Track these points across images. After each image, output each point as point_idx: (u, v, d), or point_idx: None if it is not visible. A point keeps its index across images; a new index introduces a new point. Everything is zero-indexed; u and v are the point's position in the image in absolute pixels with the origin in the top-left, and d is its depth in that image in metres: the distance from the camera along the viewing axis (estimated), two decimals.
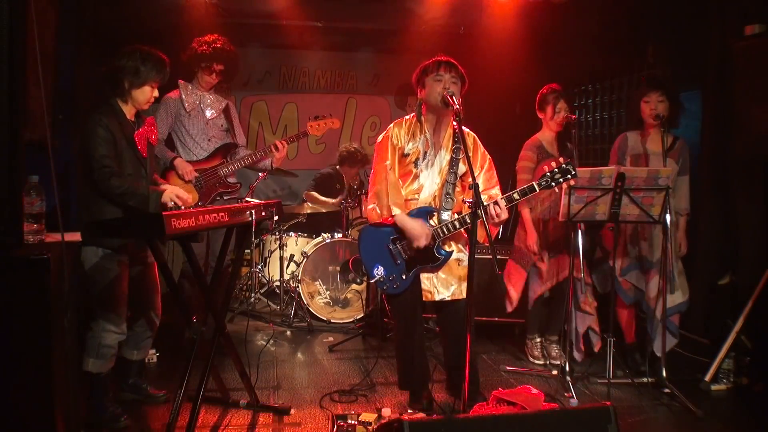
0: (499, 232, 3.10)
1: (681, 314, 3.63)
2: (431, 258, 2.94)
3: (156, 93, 2.99)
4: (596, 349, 3.76)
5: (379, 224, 2.99)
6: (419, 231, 2.88)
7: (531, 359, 3.98)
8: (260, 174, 4.51)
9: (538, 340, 3.99)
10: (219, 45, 3.95)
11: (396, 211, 2.92)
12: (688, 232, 3.66)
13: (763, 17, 3.59)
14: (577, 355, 3.74)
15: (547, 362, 3.92)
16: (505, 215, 2.83)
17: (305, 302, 4.82)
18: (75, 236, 2.48)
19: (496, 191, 3.01)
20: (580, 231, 3.48)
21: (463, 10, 5.00)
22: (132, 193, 2.81)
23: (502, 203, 2.81)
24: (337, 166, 5.71)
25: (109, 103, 2.91)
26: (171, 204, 2.84)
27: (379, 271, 2.97)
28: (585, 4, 4.68)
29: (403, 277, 2.95)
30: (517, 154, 3.90)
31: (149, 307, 3.14)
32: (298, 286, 4.84)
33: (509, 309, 3.98)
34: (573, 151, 3.69)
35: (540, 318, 3.99)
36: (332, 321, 4.79)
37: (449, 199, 2.97)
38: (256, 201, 3.59)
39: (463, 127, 3.01)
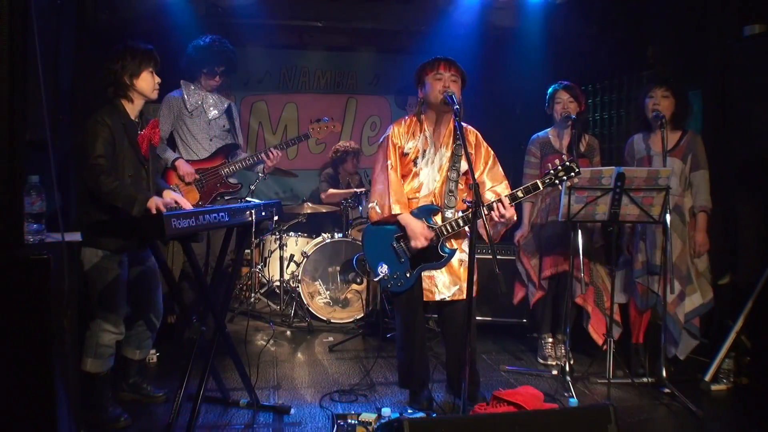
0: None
1: (700, 316, 3.59)
2: (435, 256, 2.94)
3: (158, 79, 2.99)
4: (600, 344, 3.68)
5: (384, 222, 2.99)
6: (418, 231, 2.88)
7: (539, 359, 3.93)
8: (260, 174, 4.52)
9: (550, 340, 3.94)
10: (216, 47, 3.95)
11: (397, 209, 2.92)
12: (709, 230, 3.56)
13: (763, 17, 3.59)
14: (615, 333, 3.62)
15: (557, 363, 3.83)
16: (509, 213, 2.80)
17: (305, 302, 4.82)
18: (75, 236, 2.48)
19: (501, 188, 2.99)
20: (580, 231, 3.48)
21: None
22: (119, 193, 2.73)
23: (506, 201, 2.79)
24: (330, 169, 5.69)
25: (113, 104, 2.91)
26: (154, 211, 2.70)
27: (383, 269, 2.97)
28: (585, 4, 4.68)
29: (407, 275, 2.96)
30: (517, 155, 3.90)
31: (150, 307, 3.13)
32: (298, 286, 4.84)
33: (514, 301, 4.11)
34: (595, 147, 3.71)
35: (551, 317, 3.92)
36: (332, 321, 4.79)
37: (452, 197, 2.97)
38: (257, 201, 3.59)
39: (466, 124, 3.01)
